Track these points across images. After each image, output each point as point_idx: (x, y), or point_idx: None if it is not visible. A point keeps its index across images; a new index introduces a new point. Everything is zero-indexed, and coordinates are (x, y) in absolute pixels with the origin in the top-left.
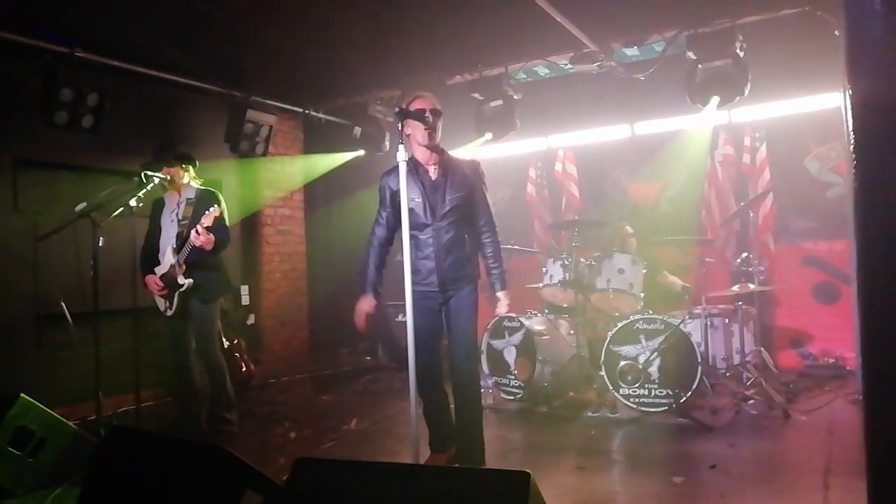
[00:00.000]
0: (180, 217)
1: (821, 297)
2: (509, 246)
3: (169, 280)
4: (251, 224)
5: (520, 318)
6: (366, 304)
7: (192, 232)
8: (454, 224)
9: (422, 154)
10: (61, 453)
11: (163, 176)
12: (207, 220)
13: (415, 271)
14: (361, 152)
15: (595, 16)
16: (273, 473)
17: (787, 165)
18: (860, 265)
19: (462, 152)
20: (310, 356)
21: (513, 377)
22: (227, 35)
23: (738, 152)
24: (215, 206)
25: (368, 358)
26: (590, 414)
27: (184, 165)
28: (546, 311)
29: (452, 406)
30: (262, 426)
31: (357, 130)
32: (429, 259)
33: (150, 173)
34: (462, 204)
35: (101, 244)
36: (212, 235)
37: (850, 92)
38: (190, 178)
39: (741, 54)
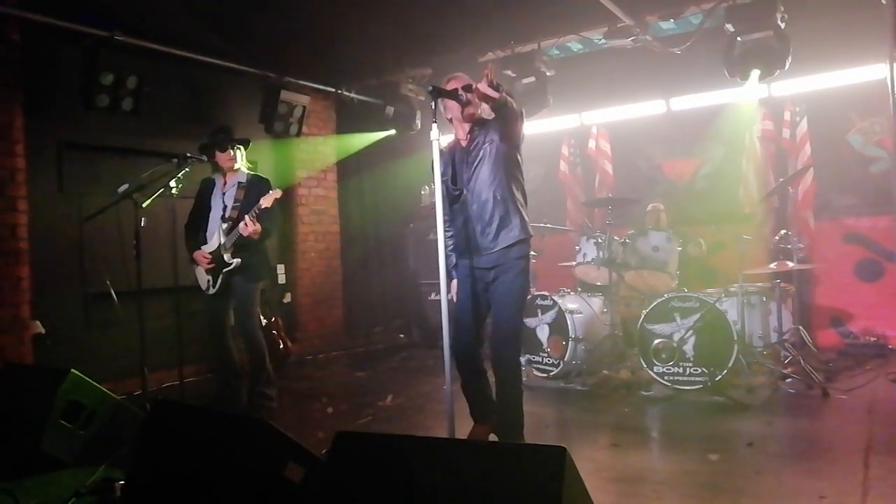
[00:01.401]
0: (232, 199)
1: (863, 274)
2: (542, 224)
3: (216, 258)
4: (286, 204)
5: (553, 297)
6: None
7: (245, 219)
8: (482, 187)
9: (460, 130)
10: (110, 426)
11: (200, 157)
12: (267, 201)
13: (457, 246)
14: (393, 132)
15: None
16: (312, 447)
17: (829, 140)
18: None
19: None
20: (344, 334)
21: (546, 355)
22: (262, 17)
23: (778, 127)
24: (277, 189)
25: (402, 336)
26: (623, 391)
27: (238, 148)
28: (579, 289)
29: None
30: (300, 402)
31: (390, 110)
32: (464, 229)
33: (188, 154)
34: (483, 164)
35: (143, 224)
36: (258, 226)
37: None
38: (242, 161)
39: (782, 26)
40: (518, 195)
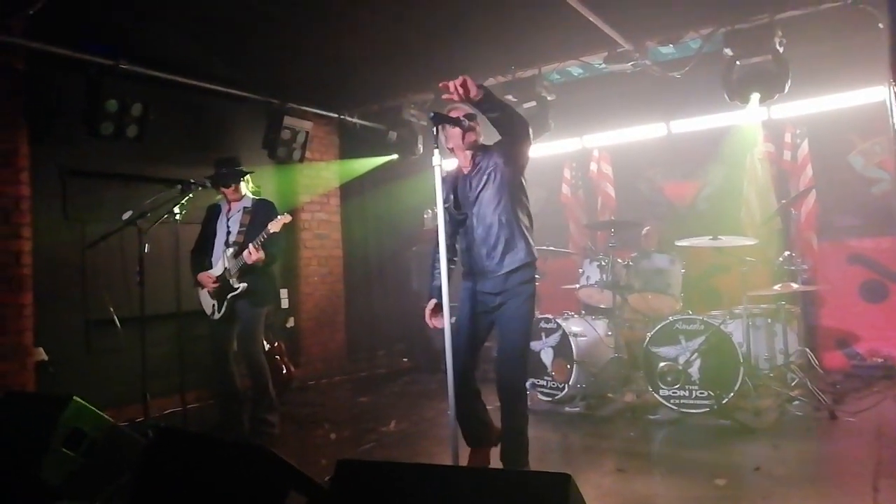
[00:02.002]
0: (237, 224)
1: (868, 295)
2: (545, 247)
3: (222, 283)
4: (289, 229)
5: (556, 320)
6: (427, 312)
7: (246, 250)
8: (486, 211)
9: (462, 158)
10: (112, 454)
11: (205, 183)
12: (275, 226)
13: (464, 268)
14: (395, 156)
15: (629, 14)
16: (314, 474)
17: (830, 162)
18: None
19: None
20: (347, 358)
21: (550, 378)
22: (265, 44)
23: (779, 149)
24: (285, 214)
25: (405, 359)
26: (629, 416)
27: (247, 180)
28: (583, 312)
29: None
30: (303, 428)
31: (392, 135)
32: (468, 253)
33: (192, 180)
34: (487, 188)
35: (146, 251)
36: (262, 253)
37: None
38: (247, 188)
39: (781, 50)
40: (523, 218)
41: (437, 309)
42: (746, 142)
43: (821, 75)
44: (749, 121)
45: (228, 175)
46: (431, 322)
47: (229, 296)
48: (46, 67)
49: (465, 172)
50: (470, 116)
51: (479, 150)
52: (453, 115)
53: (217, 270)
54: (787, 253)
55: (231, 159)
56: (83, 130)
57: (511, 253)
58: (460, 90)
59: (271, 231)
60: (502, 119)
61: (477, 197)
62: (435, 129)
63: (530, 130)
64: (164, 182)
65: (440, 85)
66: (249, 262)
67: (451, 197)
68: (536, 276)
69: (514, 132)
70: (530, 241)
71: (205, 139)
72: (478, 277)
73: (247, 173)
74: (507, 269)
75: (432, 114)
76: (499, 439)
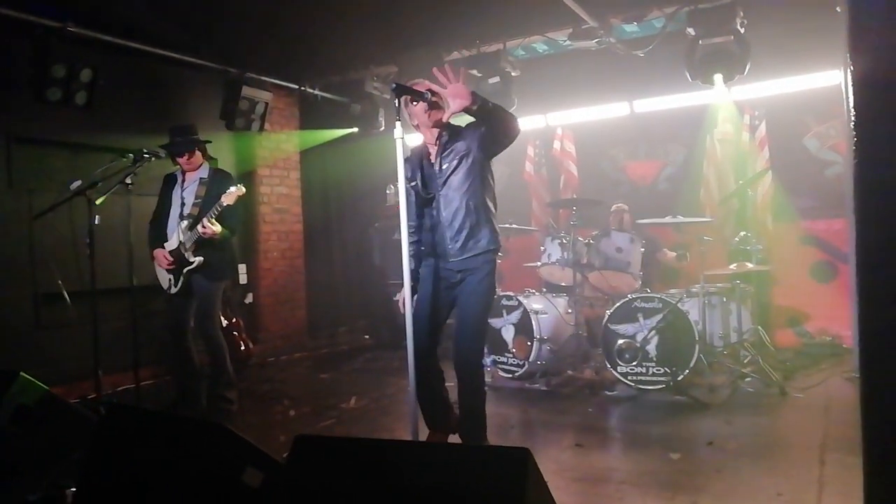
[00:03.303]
0: (193, 195)
1: (818, 275)
2: (507, 225)
3: (177, 257)
4: (248, 203)
5: (518, 297)
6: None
7: (201, 224)
8: (454, 194)
9: (427, 135)
10: (61, 431)
11: (158, 153)
12: (229, 199)
13: (426, 247)
14: (355, 129)
15: None
16: (273, 451)
17: (787, 144)
18: (859, 244)
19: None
20: (308, 335)
21: (511, 355)
22: (223, 10)
23: (738, 130)
24: (240, 185)
25: (367, 336)
26: (587, 392)
27: (203, 150)
28: (544, 289)
29: (450, 384)
30: (262, 404)
31: (356, 108)
32: (431, 232)
33: (145, 151)
34: (458, 171)
35: (96, 222)
36: (218, 227)
37: (852, 69)
38: (202, 159)
39: (742, 31)
40: (490, 204)
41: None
42: (704, 123)
43: (779, 58)
44: (719, 100)
45: (183, 143)
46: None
47: (185, 270)
48: None
49: (432, 151)
50: (433, 92)
51: (446, 128)
52: (417, 88)
53: (172, 244)
54: (742, 233)
55: (186, 127)
56: (29, 96)
57: (474, 239)
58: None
59: (225, 204)
60: (495, 125)
61: (446, 180)
62: (397, 101)
63: (517, 132)
64: (115, 151)
65: (433, 70)
66: (206, 236)
67: (419, 175)
68: (500, 254)
69: (503, 139)
70: (495, 227)
71: (159, 108)
72: (439, 258)
73: (203, 142)
74: (469, 255)
75: (394, 85)
76: (458, 426)
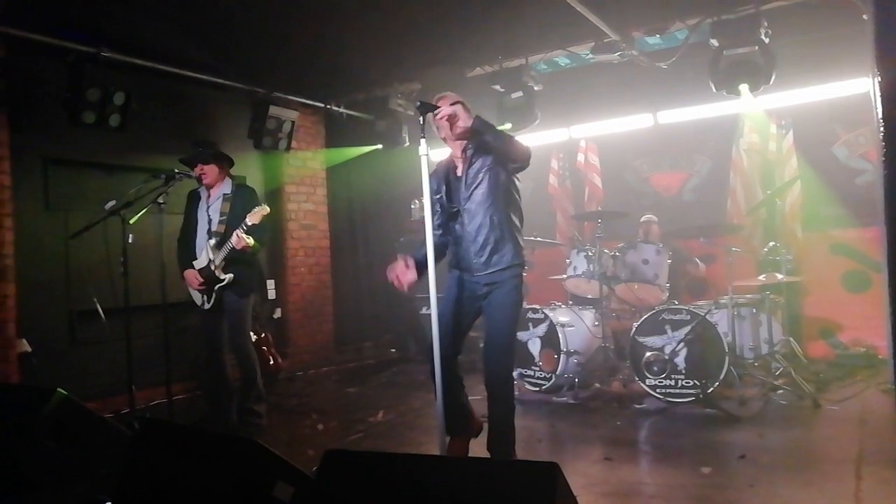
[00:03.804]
0: (218, 212)
1: (851, 285)
2: (532, 238)
3: (208, 275)
4: (275, 219)
5: (544, 310)
6: (399, 266)
7: (234, 234)
8: (478, 208)
9: (454, 148)
10: (96, 446)
11: (189, 173)
12: (253, 219)
13: (451, 259)
14: (380, 146)
15: (616, 4)
16: (302, 465)
17: (815, 153)
18: (891, 252)
19: None
20: (335, 349)
21: (538, 368)
22: (250, 32)
23: (764, 140)
24: (263, 205)
25: (393, 350)
26: (615, 405)
27: (218, 163)
28: (570, 302)
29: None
30: (290, 419)
31: (381, 124)
32: (456, 245)
33: (176, 170)
34: (481, 185)
35: (130, 241)
36: (251, 239)
37: (879, 78)
38: (225, 176)
39: (766, 41)
40: (515, 220)
41: (404, 267)
42: (730, 133)
43: (806, 66)
44: (745, 110)
45: (194, 155)
46: (393, 275)
47: (216, 287)
48: (27, 55)
49: (458, 165)
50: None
51: (472, 142)
52: (441, 104)
53: (202, 262)
54: (771, 243)
55: (200, 140)
56: (65, 119)
57: (498, 254)
58: (447, 123)
59: (249, 224)
60: (498, 148)
61: (470, 195)
62: (422, 118)
63: (528, 157)
64: (147, 171)
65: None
66: (238, 247)
67: (444, 188)
68: (525, 268)
69: (510, 160)
70: (519, 242)
71: (189, 128)
72: (464, 271)
73: (213, 153)
74: (494, 270)
75: (419, 103)
76: (478, 431)
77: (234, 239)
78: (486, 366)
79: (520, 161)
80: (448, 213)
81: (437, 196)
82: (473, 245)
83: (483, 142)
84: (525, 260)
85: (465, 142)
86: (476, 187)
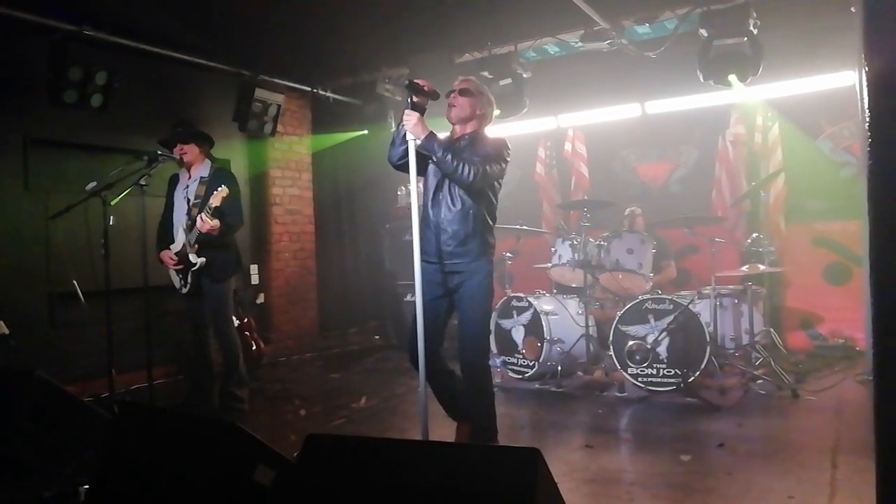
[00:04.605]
0: (193, 195)
1: (831, 278)
2: (517, 226)
3: (182, 258)
4: (260, 204)
5: (528, 298)
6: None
7: (198, 217)
8: (457, 199)
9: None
10: (75, 429)
11: (171, 155)
12: (214, 201)
13: (422, 248)
14: (366, 131)
15: None
16: (284, 450)
17: (800, 145)
18: (873, 246)
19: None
20: (319, 335)
21: (521, 356)
22: (236, 13)
23: (750, 131)
24: (223, 186)
25: (377, 337)
26: (597, 393)
27: (198, 143)
28: (554, 290)
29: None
30: (273, 404)
31: (370, 109)
32: (431, 233)
33: (159, 152)
34: None
35: (111, 223)
36: (217, 221)
37: (866, 70)
38: (204, 157)
39: (755, 31)
40: (486, 216)
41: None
42: (716, 124)
43: (792, 58)
44: (732, 102)
45: (172, 135)
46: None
47: (191, 270)
48: (8, 32)
49: (447, 145)
50: (462, 90)
51: (466, 127)
52: (428, 88)
53: (177, 245)
54: (755, 235)
55: (181, 121)
56: (46, 98)
57: (466, 246)
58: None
59: (213, 205)
60: (444, 170)
61: (446, 184)
62: (409, 98)
63: (472, 186)
64: (129, 153)
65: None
66: (203, 230)
67: (431, 178)
68: (508, 254)
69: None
70: (488, 240)
71: (172, 110)
72: (432, 256)
73: (192, 134)
74: (460, 260)
75: (407, 81)
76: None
77: (198, 222)
78: (462, 357)
79: (465, 188)
80: (428, 197)
81: (429, 178)
82: (444, 234)
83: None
84: (491, 255)
85: (458, 125)
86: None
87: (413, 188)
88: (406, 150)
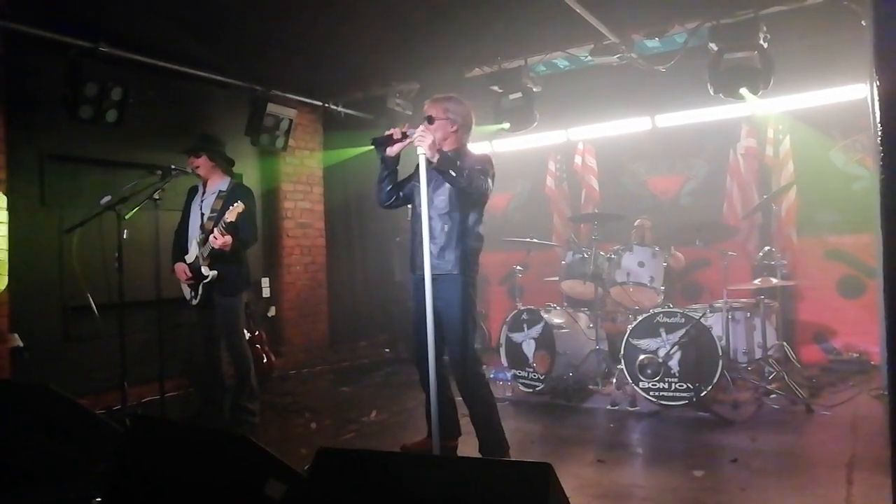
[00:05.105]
0: (209, 209)
1: (845, 291)
2: (528, 239)
3: (195, 270)
4: (271, 217)
5: (539, 311)
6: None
7: (212, 235)
8: (442, 214)
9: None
10: (88, 442)
11: (184, 169)
12: (230, 216)
13: (412, 259)
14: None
15: (615, 7)
16: (294, 463)
17: (812, 158)
18: (886, 258)
19: (479, 143)
20: (329, 348)
21: (532, 370)
22: (248, 29)
23: (761, 144)
24: (238, 201)
25: (387, 350)
26: (609, 407)
27: (210, 156)
28: (565, 304)
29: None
30: (283, 417)
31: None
32: (411, 242)
33: (172, 166)
34: (440, 194)
35: (125, 237)
36: (229, 238)
37: (878, 84)
38: (221, 171)
39: (765, 45)
40: (467, 231)
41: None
42: (727, 137)
43: (804, 72)
44: (743, 115)
45: (188, 148)
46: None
47: (203, 283)
48: (25, 49)
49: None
50: (429, 119)
51: (444, 146)
52: (395, 134)
53: (191, 256)
54: (767, 248)
55: (202, 134)
56: (62, 114)
57: (442, 261)
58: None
59: (228, 220)
60: (458, 186)
61: (430, 196)
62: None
63: (483, 197)
64: (143, 167)
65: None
66: (216, 246)
67: (420, 193)
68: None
69: (466, 197)
70: (466, 257)
71: (186, 125)
72: (416, 268)
73: (208, 146)
74: (436, 273)
75: (371, 140)
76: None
77: (211, 237)
78: (454, 373)
79: (475, 199)
80: (416, 216)
81: (410, 185)
82: (421, 247)
83: (446, 175)
84: (468, 274)
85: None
86: (436, 191)
87: (424, 201)
88: (392, 189)
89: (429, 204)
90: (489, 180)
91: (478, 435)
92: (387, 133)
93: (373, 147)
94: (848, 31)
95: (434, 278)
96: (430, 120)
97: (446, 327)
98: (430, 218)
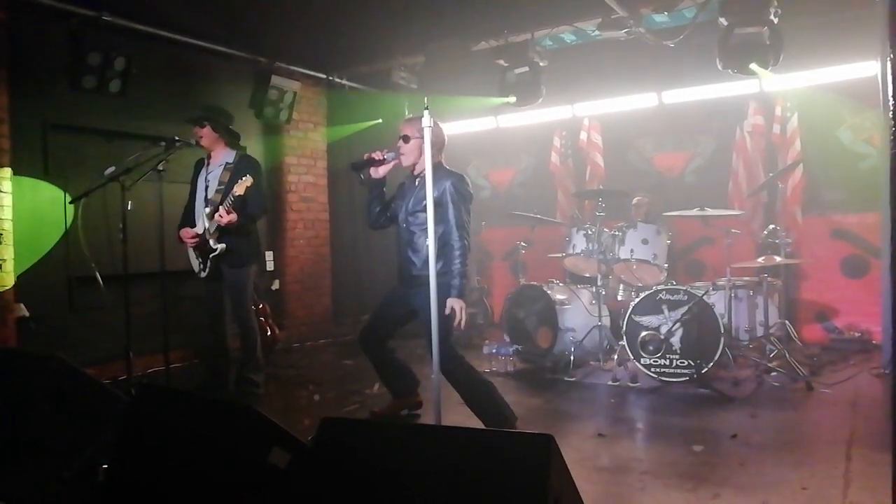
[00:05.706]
0: (217, 181)
1: (849, 270)
2: (532, 215)
3: (202, 242)
4: (275, 191)
5: (542, 287)
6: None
7: (217, 213)
8: (417, 227)
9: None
10: (94, 411)
11: (188, 141)
12: (238, 189)
13: (398, 271)
14: (380, 120)
15: None
16: (298, 434)
17: (819, 136)
18: (892, 237)
19: (485, 117)
20: (333, 322)
21: (534, 345)
22: (253, 1)
23: (769, 122)
24: (247, 175)
25: None
26: (610, 383)
27: (213, 126)
28: (568, 280)
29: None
30: (287, 389)
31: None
32: (404, 261)
33: (176, 138)
34: (422, 211)
35: (129, 208)
36: (234, 216)
37: (891, 59)
38: (224, 143)
39: (775, 21)
40: (450, 244)
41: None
42: (734, 114)
43: (813, 48)
44: (750, 92)
45: (198, 114)
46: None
47: (211, 256)
48: (28, 18)
49: (410, 185)
50: (404, 137)
51: (420, 164)
52: (376, 157)
53: (198, 229)
54: (771, 226)
55: (210, 106)
56: (65, 84)
57: (413, 266)
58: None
59: (236, 194)
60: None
61: (409, 216)
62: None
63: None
64: (147, 138)
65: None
66: (222, 224)
67: (400, 202)
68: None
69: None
70: (450, 267)
71: (190, 96)
72: (402, 281)
73: (210, 117)
74: (409, 270)
75: (350, 164)
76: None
77: (216, 216)
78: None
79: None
80: (392, 219)
81: (398, 201)
82: (404, 259)
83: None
84: (455, 283)
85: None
86: (420, 209)
87: (428, 174)
88: (380, 211)
89: (412, 219)
90: (467, 205)
91: (478, 417)
92: (365, 157)
93: (375, 122)
94: (858, 7)
95: (417, 284)
96: (406, 139)
97: (429, 331)
98: (412, 233)
